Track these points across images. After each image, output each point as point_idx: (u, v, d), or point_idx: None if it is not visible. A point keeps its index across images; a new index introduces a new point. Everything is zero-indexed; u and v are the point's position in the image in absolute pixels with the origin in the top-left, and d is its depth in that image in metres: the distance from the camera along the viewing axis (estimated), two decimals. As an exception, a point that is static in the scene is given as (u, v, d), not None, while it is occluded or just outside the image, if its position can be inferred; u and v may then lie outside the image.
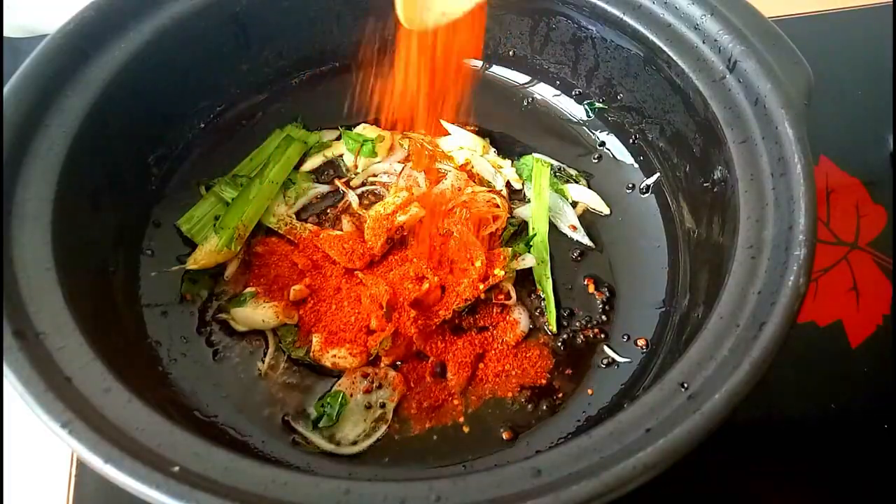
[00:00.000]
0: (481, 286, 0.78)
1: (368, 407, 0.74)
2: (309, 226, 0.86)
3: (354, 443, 0.72)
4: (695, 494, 0.77)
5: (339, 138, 0.93)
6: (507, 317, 0.80)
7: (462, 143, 0.93)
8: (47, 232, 0.62)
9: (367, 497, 0.49)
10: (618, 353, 0.79)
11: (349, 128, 0.93)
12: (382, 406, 0.74)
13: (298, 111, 0.94)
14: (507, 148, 0.94)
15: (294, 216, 0.87)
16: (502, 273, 0.80)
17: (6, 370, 0.53)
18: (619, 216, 0.89)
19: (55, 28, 0.70)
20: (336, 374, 0.76)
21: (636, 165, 0.91)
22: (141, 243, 0.82)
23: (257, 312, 0.78)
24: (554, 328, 0.80)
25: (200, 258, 0.81)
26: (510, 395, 0.76)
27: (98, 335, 0.60)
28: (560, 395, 0.76)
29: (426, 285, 0.77)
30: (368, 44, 0.87)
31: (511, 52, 0.96)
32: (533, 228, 0.86)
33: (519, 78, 0.98)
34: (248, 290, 0.80)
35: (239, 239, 0.82)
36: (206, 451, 0.51)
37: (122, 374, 0.56)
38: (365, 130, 0.92)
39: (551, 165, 0.90)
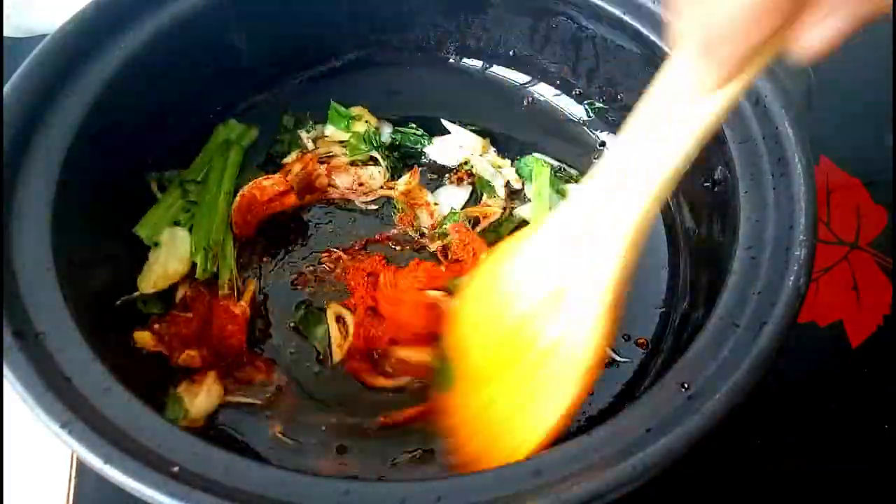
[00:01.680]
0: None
1: None
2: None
3: None
4: (694, 494, 0.77)
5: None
6: (508, 317, 0.80)
7: (462, 143, 0.92)
8: (47, 232, 0.62)
9: (367, 497, 0.49)
10: (618, 353, 0.78)
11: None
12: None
13: (298, 111, 0.94)
14: (507, 148, 0.93)
15: None
16: (502, 273, 0.80)
17: (6, 370, 0.53)
18: (619, 216, 0.88)
19: (55, 28, 0.70)
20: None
21: (636, 165, 0.91)
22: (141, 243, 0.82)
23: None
24: (554, 328, 0.80)
25: (154, 279, 0.74)
26: (510, 395, 0.76)
27: (98, 335, 0.60)
28: (560, 395, 0.76)
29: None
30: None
31: (511, 52, 0.96)
32: (533, 228, 0.86)
33: (519, 78, 0.98)
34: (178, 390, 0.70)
35: (214, 258, 0.78)
36: (206, 451, 0.51)
37: (122, 374, 0.56)
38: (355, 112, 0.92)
39: (551, 165, 0.90)
